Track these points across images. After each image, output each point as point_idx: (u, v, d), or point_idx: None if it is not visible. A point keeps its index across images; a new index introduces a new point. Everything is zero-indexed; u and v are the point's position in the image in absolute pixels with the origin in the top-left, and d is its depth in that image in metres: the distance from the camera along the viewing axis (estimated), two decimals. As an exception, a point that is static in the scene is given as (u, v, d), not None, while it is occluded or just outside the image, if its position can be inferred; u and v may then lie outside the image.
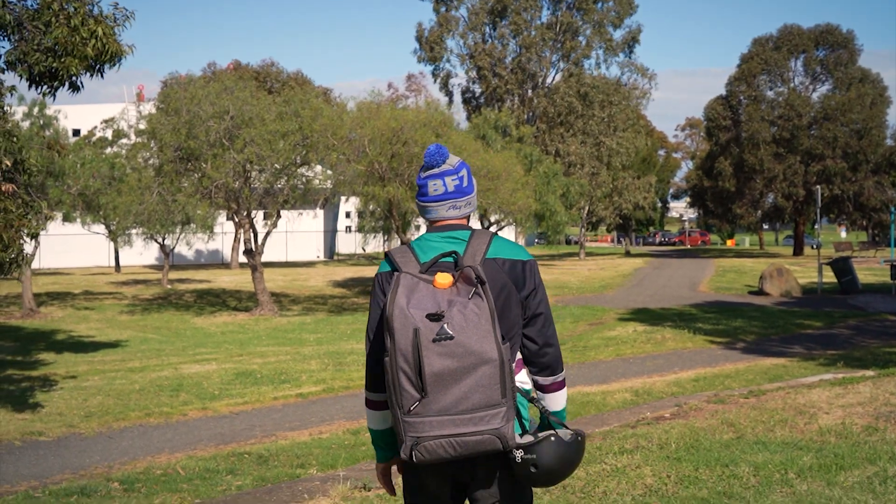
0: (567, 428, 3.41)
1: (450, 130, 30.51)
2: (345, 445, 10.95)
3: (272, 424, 12.87)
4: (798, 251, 67.69)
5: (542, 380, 3.50)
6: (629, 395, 13.81)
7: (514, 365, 3.38)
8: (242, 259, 43.01)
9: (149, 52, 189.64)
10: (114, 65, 12.30)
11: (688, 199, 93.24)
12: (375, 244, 56.47)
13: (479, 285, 3.21)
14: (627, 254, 74.01)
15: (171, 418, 13.43)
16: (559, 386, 3.51)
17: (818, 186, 40.05)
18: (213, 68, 67.77)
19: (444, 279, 3.27)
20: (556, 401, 3.52)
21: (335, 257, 65.64)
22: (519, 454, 3.26)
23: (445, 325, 3.12)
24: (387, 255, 3.49)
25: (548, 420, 3.50)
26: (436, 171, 3.54)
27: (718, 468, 6.96)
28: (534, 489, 3.59)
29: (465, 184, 3.55)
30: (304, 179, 29.97)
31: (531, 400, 3.47)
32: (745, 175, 64.48)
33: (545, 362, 3.47)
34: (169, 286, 37.72)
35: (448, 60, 65.06)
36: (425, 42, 63.73)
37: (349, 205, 66.22)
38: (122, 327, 26.48)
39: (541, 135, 59.74)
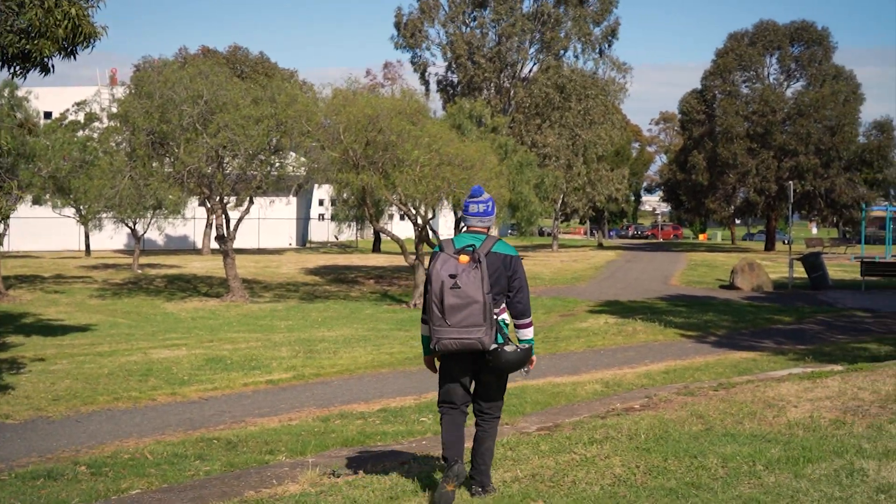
0: (516, 345, 6.25)
1: (425, 119, 30.39)
2: (314, 433, 10.92)
3: (241, 410, 12.83)
4: (769, 246, 68.14)
5: (516, 321, 6.37)
6: (599, 387, 13.85)
7: (499, 309, 6.23)
8: (214, 245, 42.78)
9: (119, 37, 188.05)
10: (87, 46, 12.16)
11: (661, 193, 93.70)
12: (349, 233, 56.31)
13: (479, 262, 6.06)
14: (600, 246, 74.21)
15: (140, 403, 13.35)
16: (526, 325, 6.38)
17: (790, 182, 40.21)
18: (185, 53, 67.18)
19: (464, 258, 6.10)
20: (524, 334, 6.37)
21: (308, 245, 65.42)
22: (487, 353, 6.12)
23: (458, 281, 5.99)
24: (438, 243, 6.35)
25: (509, 340, 6.30)
26: (476, 199, 6.45)
27: (687, 459, 7.00)
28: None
29: (490, 209, 6.46)
30: (277, 165, 29.81)
31: (505, 327, 6.26)
32: (718, 169, 64.75)
33: (517, 310, 6.34)
34: (139, 271, 37.47)
35: (427, 48, 64.81)
36: (404, 28, 63.37)
37: (323, 192, 66.02)
38: (92, 311, 26.29)
39: (517, 126, 59.72)
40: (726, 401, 9.59)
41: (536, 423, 9.73)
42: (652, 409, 9.47)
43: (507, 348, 6.17)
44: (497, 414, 6.50)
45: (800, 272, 37.22)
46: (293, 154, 30.88)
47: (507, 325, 6.32)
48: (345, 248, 62.77)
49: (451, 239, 6.37)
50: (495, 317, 6.18)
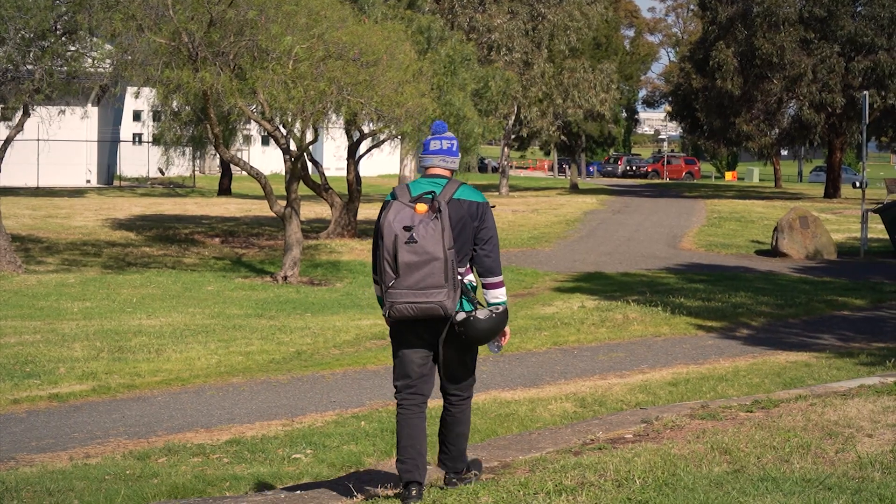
0: (489, 310, 7.89)
1: (303, -14, 30.14)
2: (126, 476, 10.84)
3: (10, 442, 12.70)
4: (832, 191, 68.89)
5: (483, 280, 8.03)
6: (571, 406, 13.93)
7: (464, 269, 7.91)
8: (-33, 181, 42.15)
9: None
10: None
11: (668, 108, 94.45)
12: (182, 165, 55.79)
13: (439, 212, 7.62)
14: (574, 188, 74.68)
15: None
16: (496, 285, 8.02)
17: (865, 92, 40.65)
18: None
19: (421, 207, 7.67)
20: (494, 295, 8.02)
21: (117, 183, 64.76)
22: (457, 323, 7.76)
23: (414, 234, 7.53)
24: (393, 190, 8.00)
25: (479, 304, 8.00)
26: (439, 135, 8.12)
27: (706, 517, 7.06)
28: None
29: (454, 149, 8.17)
30: (68, 57, 29.38)
31: (472, 291, 7.93)
32: (755, 72, 65.03)
33: (485, 266, 8.02)
34: None
35: None
36: None
37: (140, 101, 65.18)
38: None
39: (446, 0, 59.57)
40: (765, 427, 9.70)
41: (474, 462, 9.73)
42: (652, 441, 9.55)
43: (480, 314, 7.82)
44: (468, 394, 8.28)
45: (878, 230, 37.75)
46: (94, 39, 30.44)
47: (474, 287, 7.98)
48: (175, 188, 62.34)
49: (407, 185, 8.01)
50: (459, 278, 7.78)
